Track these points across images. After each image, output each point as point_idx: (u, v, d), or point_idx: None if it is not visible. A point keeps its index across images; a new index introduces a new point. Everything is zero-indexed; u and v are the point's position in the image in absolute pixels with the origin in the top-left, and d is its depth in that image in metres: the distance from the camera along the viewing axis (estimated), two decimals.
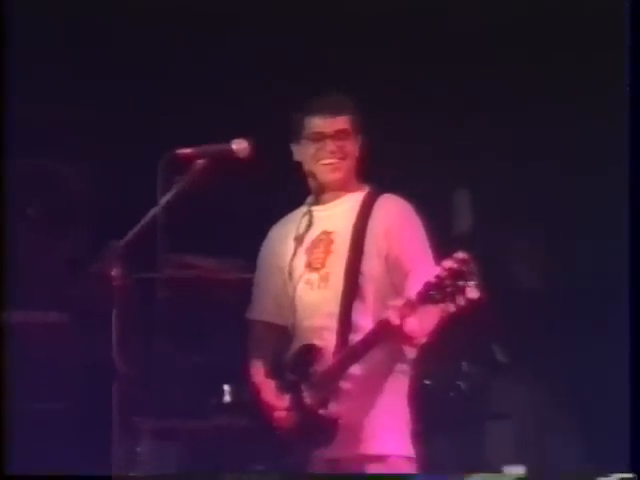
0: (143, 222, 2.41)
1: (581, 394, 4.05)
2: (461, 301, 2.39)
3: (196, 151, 2.49)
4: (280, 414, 2.64)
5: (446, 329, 2.58)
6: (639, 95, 3.00)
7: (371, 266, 2.68)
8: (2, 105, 3.38)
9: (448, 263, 2.40)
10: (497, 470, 3.86)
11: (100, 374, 2.42)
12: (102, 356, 2.39)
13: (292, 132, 2.81)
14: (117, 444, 2.39)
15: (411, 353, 2.71)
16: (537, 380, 4.21)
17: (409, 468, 2.67)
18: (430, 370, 3.58)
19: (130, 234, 2.40)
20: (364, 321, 2.60)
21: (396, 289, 2.62)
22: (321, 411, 2.59)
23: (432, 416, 3.35)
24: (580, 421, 4.12)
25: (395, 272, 2.67)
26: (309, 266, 2.74)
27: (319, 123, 2.72)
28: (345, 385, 2.58)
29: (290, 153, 2.81)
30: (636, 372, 2.70)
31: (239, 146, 2.50)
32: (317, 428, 2.62)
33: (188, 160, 2.48)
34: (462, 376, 4.06)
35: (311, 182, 2.79)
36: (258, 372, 2.79)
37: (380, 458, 2.60)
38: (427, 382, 3.71)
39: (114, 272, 2.36)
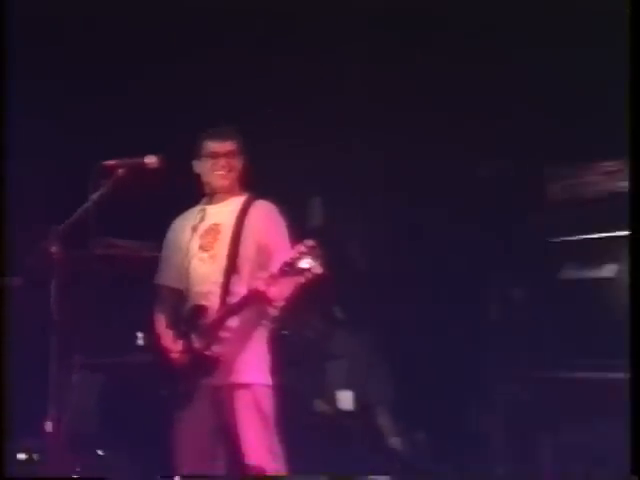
0: (76, 214, 2.69)
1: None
2: (309, 275, 2.68)
3: (117, 163, 2.76)
4: (176, 355, 2.88)
5: (298, 295, 2.86)
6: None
7: (246, 250, 2.94)
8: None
9: (300, 248, 2.68)
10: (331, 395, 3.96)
11: (44, 321, 2.64)
12: (46, 309, 2.63)
13: (194, 152, 3.07)
14: (54, 376, 2.63)
15: (273, 312, 2.96)
16: (363, 331, 4.28)
17: (267, 393, 2.93)
18: (286, 323, 3.63)
19: (66, 222, 2.68)
20: (239, 288, 2.87)
21: (263, 266, 2.88)
22: (206, 352, 2.86)
23: (286, 357, 3.40)
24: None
25: (263, 254, 2.94)
26: (201, 248, 2.98)
27: (214, 145, 2.99)
28: (224, 334, 2.86)
29: (191, 166, 3.06)
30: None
31: (149, 160, 2.78)
32: (203, 364, 2.87)
33: (112, 169, 2.74)
34: (310, 328, 4.15)
35: (206, 188, 3.05)
36: (161, 323, 3.03)
37: (247, 385, 2.89)
38: (284, 332, 3.72)
39: (53, 249, 2.64)
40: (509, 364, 3.60)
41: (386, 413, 3.98)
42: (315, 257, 2.67)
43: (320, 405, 4.02)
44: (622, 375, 3.07)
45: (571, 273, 3.35)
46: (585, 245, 3.35)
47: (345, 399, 3.99)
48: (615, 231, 3.23)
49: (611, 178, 3.18)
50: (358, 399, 4.01)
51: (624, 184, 3.11)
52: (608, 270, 3.23)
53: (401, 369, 4.01)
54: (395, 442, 3.89)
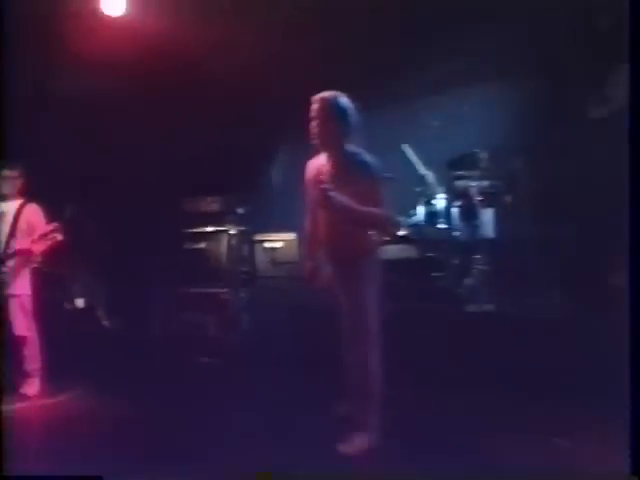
0: None
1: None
2: (54, 240, 3.78)
3: None
4: None
5: (50, 250, 3.86)
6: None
7: (21, 226, 4.03)
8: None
9: (49, 227, 3.81)
10: (72, 300, 4.81)
11: None
12: None
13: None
14: None
15: (35, 259, 3.99)
16: (90, 267, 4.97)
17: (29, 299, 3.96)
18: (45, 264, 4.07)
19: None
20: (17, 245, 3.97)
21: (30, 235, 3.95)
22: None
23: (44, 280, 4.12)
24: None
25: (30, 229, 3.99)
26: None
27: (6, 172, 4.06)
28: (5, 269, 3.90)
29: None
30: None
31: None
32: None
33: None
34: (60, 266, 4.52)
35: (1, 194, 4.11)
36: None
37: (18, 295, 3.98)
38: (44, 269, 4.13)
39: None
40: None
41: (101, 309, 5.00)
42: (58, 232, 3.82)
43: (65, 305, 4.85)
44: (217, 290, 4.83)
45: (193, 245, 5.04)
46: (199, 235, 5.08)
47: (80, 303, 4.94)
48: (206, 228, 4.98)
49: (212, 206, 5.07)
50: (86, 302, 4.94)
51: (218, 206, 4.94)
52: (203, 244, 4.97)
53: (110, 286, 5.10)
54: (107, 323, 4.98)
